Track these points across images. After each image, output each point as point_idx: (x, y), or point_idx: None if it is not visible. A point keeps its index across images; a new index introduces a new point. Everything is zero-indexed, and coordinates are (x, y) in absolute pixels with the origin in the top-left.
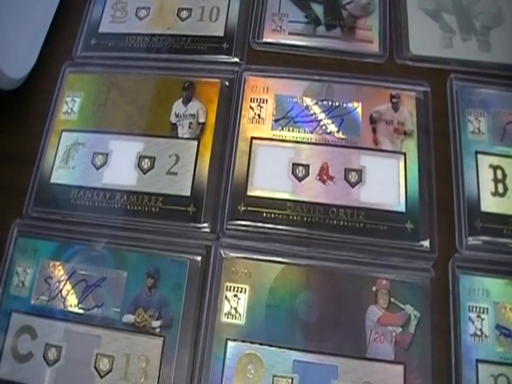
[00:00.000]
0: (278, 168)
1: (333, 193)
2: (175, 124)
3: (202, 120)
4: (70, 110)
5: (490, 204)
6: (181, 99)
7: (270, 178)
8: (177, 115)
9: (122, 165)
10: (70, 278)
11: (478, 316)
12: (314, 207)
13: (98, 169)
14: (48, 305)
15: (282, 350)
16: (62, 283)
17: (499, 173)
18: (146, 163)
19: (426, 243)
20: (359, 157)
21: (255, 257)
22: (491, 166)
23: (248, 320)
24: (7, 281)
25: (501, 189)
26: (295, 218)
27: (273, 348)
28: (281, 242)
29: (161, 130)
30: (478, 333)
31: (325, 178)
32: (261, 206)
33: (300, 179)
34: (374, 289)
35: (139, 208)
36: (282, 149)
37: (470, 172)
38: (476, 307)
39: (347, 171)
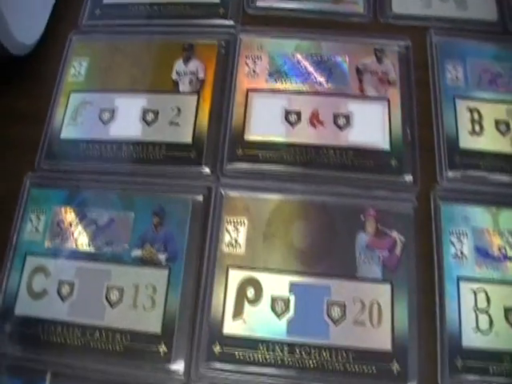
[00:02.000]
0: (272, 115)
1: (323, 135)
2: (176, 81)
3: (201, 76)
4: (77, 73)
5: (467, 141)
6: (181, 59)
7: (265, 124)
8: (178, 73)
9: (127, 119)
10: (81, 221)
11: (459, 239)
12: (306, 148)
13: (104, 124)
14: (61, 246)
15: (279, 274)
16: (73, 226)
17: (476, 114)
18: (149, 116)
19: (409, 177)
20: (347, 103)
21: (252, 194)
22: (468, 108)
23: (247, 249)
24: (21, 227)
25: (477, 128)
26: (289, 158)
27: (270, 273)
28: (276, 179)
29: (163, 86)
30: (459, 254)
31: (315, 122)
32: (257, 148)
33: (292, 124)
34: (362, 218)
35: (144, 156)
36: (276, 98)
37: (448, 114)
38: (456, 232)
39: (336, 116)
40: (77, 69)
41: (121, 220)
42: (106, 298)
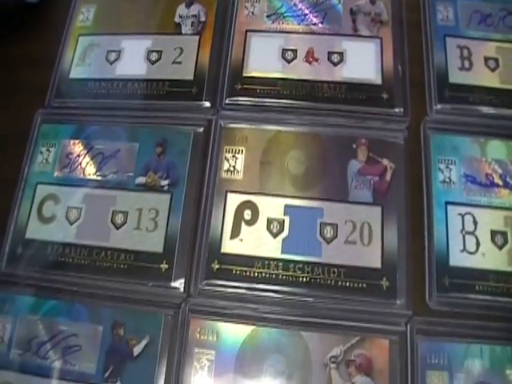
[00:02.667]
0: (269, 53)
1: (318, 71)
2: (179, 24)
3: (202, 19)
4: (85, 19)
5: (457, 77)
6: (184, 3)
7: (262, 61)
8: (180, 16)
9: (132, 59)
10: (88, 152)
11: (447, 167)
12: (302, 83)
13: (111, 64)
14: (69, 175)
15: (274, 197)
16: (81, 157)
17: (465, 51)
18: (153, 56)
19: (400, 109)
20: (341, 42)
21: (250, 125)
22: (458, 46)
23: (245, 175)
24: (33, 160)
25: (467, 64)
26: (285, 92)
27: (266, 196)
28: (273, 112)
29: (166, 29)
30: (447, 180)
31: (311, 59)
32: (255, 84)
33: (289, 61)
34: (354, 146)
35: (149, 92)
36: (273, 38)
37: (439, 52)
38: (445, 159)
39: (330, 54)
40: (85, 14)
41: (126, 150)
42: (112, 221)
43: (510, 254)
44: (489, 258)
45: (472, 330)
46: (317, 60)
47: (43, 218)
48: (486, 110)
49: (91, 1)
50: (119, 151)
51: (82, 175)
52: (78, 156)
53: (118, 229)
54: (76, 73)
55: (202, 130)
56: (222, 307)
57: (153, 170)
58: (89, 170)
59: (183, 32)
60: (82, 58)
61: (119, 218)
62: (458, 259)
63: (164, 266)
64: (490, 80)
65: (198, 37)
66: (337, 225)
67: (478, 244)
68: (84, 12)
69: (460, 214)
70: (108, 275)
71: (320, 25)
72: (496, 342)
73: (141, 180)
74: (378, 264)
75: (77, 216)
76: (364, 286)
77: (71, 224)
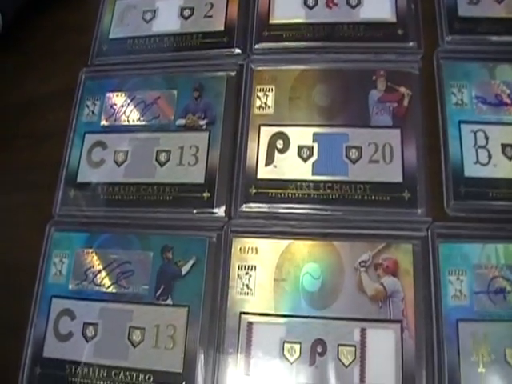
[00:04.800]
0: (292, 1)
1: (337, 14)
2: None
3: None
4: None
5: (466, 10)
6: None
7: (286, 9)
8: None
9: (167, 16)
10: (131, 102)
11: (459, 90)
12: (323, 26)
13: (147, 22)
14: (115, 123)
15: (303, 127)
16: (125, 107)
17: None
18: (186, 12)
19: (414, 43)
20: None
21: (278, 66)
22: None
23: (275, 110)
24: (80, 112)
25: None
26: (308, 35)
27: (296, 127)
28: (297, 52)
29: None
30: (460, 102)
31: (331, 4)
32: (281, 30)
33: (311, 8)
34: (373, 78)
35: (183, 44)
36: None
37: None
38: (457, 84)
39: None
40: None
41: (166, 97)
42: (156, 159)
43: None
44: (500, 168)
45: (487, 231)
46: (336, 5)
47: (93, 162)
48: (493, 38)
49: None
50: (159, 98)
51: (126, 122)
52: (122, 106)
53: (162, 166)
54: (115, 33)
55: (234, 73)
56: (261, 226)
57: (191, 112)
58: (132, 117)
59: None
60: (121, 20)
61: (163, 157)
62: (472, 170)
63: (206, 194)
64: (497, 11)
65: None
66: (361, 147)
67: (489, 156)
68: None
69: (472, 131)
70: (155, 207)
71: None
72: (509, 240)
73: (181, 121)
74: (399, 179)
75: (124, 158)
76: (388, 198)
77: (119, 166)
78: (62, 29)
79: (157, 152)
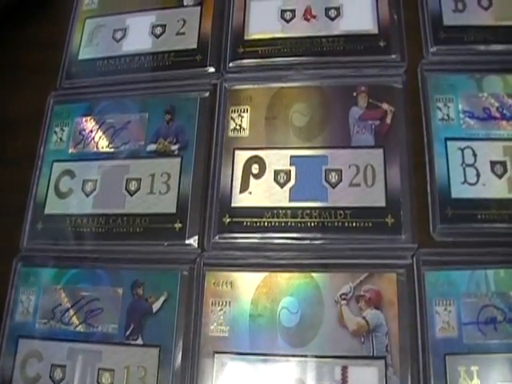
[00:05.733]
0: (268, 15)
1: (316, 28)
2: None
3: None
4: (91, 2)
5: (451, 19)
6: None
7: (262, 23)
8: None
9: (138, 35)
10: (100, 127)
11: (445, 105)
12: (301, 41)
13: (118, 41)
14: (83, 151)
15: (280, 150)
16: (94, 132)
17: None
18: (158, 30)
19: (397, 55)
20: None
21: (254, 84)
22: None
23: (251, 132)
24: (47, 139)
25: (460, 6)
26: (285, 50)
27: (272, 150)
28: (274, 69)
29: (169, 3)
30: (446, 117)
31: (308, 17)
32: (256, 45)
33: (288, 21)
34: (354, 94)
35: (155, 64)
36: (272, 1)
37: None
38: (443, 98)
39: (327, 9)
40: None
41: (136, 121)
42: (126, 188)
43: (510, 181)
44: (489, 188)
45: (476, 256)
46: (314, 17)
47: (60, 192)
48: (480, 47)
49: None
50: (130, 122)
51: (95, 149)
52: (91, 132)
53: (132, 195)
54: (84, 53)
55: (207, 94)
56: (235, 258)
57: (163, 136)
58: (102, 143)
59: (185, 4)
60: (90, 40)
61: (133, 185)
62: (459, 191)
63: (178, 225)
64: (484, 19)
65: (199, 7)
66: (341, 170)
67: (478, 175)
68: None
69: (460, 149)
70: (125, 240)
71: None
72: (500, 265)
73: (152, 147)
74: (382, 203)
75: (92, 188)
76: (370, 224)
77: (87, 195)
78: (29, 46)
79: (127, 180)
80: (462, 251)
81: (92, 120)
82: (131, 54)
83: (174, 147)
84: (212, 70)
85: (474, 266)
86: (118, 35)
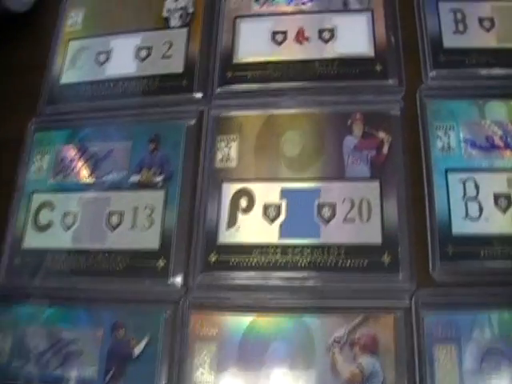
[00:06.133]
0: (259, 38)
1: (309, 50)
2: (167, 18)
3: (191, 10)
4: (74, 23)
5: (452, 41)
6: None
7: (252, 46)
8: (168, 10)
9: (121, 58)
10: (82, 156)
11: (446, 133)
12: (293, 64)
13: (101, 65)
14: (64, 181)
15: (270, 182)
16: (75, 161)
17: (459, 14)
18: (143, 53)
19: (395, 80)
20: (331, 18)
21: (243, 111)
22: (451, 9)
23: (239, 163)
24: (27, 168)
25: (461, 27)
26: (276, 75)
27: (262, 182)
28: (265, 95)
29: (155, 24)
30: (446, 146)
31: (301, 39)
32: (245, 70)
33: (279, 44)
34: (349, 122)
35: (139, 89)
36: (262, 21)
37: (431, 18)
38: (443, 126)
39: (321, 31)
40: (74, 19)
41: (119, 150)
42: (107, 222)
43: None
44: (493, 223)
45: (479, 298)
46: (307, 39)
47: (39, 226)
48: (483, 71)
49: (80, 4)
50: (112, 151)
51: (76, 180)
52: (72, 161)
53: (113, 230)
54: (67, 78)
55: (194, 121)
56: (222, 299)
57: (146, 166)
58: (83, 173)
59: (172, 26)
60: (73, 63)
61: (115, 219)
62: (460, 227)
63: (161, 262)
64: (486, 41)
65: (186, 29)
66: (335, 204)
67: (480, 209)
68: (73, 16)
69: (461, 181)
70: (106, 278)
71: (309, 3)
72: (504, 307)
73: (135, 178)
74: (378, 240)
75: (72, 221)
76: (365, 263)
77: (67, 229)
78: (9, 71)
79: (108, 214)
80: (463, 291)
81: (73, 148)
82: (114, 78)
83: (158, 178)
84: (199, 95)
85: (476, 308)
86: (102, 58)
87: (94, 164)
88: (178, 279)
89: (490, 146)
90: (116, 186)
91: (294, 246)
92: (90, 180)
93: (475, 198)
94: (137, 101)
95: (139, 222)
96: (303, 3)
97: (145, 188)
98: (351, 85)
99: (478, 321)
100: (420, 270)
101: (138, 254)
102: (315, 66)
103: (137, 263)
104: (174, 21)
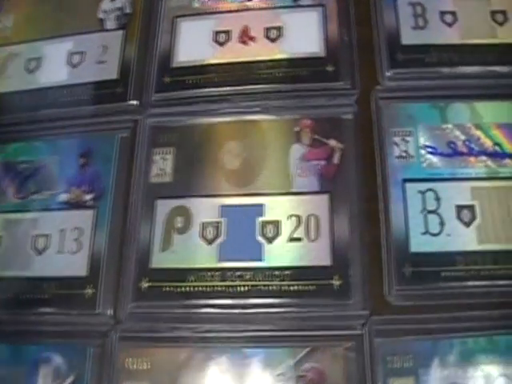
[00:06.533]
0: (200, 38)
1: (254, 51)
2: (103, 19)
3: (128, 11)
4: (4, 27)
5: (410, 37)
6: None
7: (192, 48)
8: (104, 11)
9: (53, 64)
10: (7, 174)
11: (403, 139)
12: (236, 67)
13: (31, 73)
14: None
15: (208, 198)
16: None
17: (418, 8)
18: (75, 58)
19: (347, 81)
20: (279, 15)
21: (181, 120)
22: (410, 3)
23: (175, 177)
24: None
25: (421, 22)
26: (217, 79)
27: (199, 198)
28: (204, 102)
29: (89, 27)
30: (404, 154)
31: (246, 39)
32: (184, 74)
33: (222, 44)
34: (296, 129)
35: (70, 99)
36: (204, 20)
37: (388, 13)
38: (400, 131)
39: (267, 30)
40: (3, 23)
41: (47, 167)
42: (33, 246)
43: (479, 230)
44: (455, 239)
45: (440, 323)
46: (252, 39)
47: None
48: (444, 70)
49: (10, 7)
50: (41, 168)
51: (0, 199)
52: None
53: (39, 255)
54: None
55: (128, 132)
56: (154, 331)
57: (76, 184)
58: (8, 192)
59: (107, 28)
60: (2, 71)
61: (41, 243)
62: (419, 244)
63: (89, 290)
64: (449, 37)
65: (122, 31)
66: (279, 221)
67: (441, 224)
68: (2, 20)
69: (420, 192)
70: (30, 308)
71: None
72: (468, 333)
73: (63, 197)
74: (327, 261)
75: None
76: (313, 287)
77: None
78: None
79: (34, 237)
80: (422, 317)
81: None
82: (45, 87)
83: (88, 197)
84: (134, 104)
85: (437, 336)
86: (32, 65)
87: (21, 182)
88: (107, 309)
89: (452, 153)
90: (43, 207)
91: (234, 270)
92: (15, 200)
93: (436, 211)
94: (66, 111)
95: (67, 246)
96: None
97: (74, 208)
98: (299, 88)
99: (439, 349)
100: (374, 293)
101: (64, 281)
102: (260, 68)
103: (63, 292)
104: (110, 22)
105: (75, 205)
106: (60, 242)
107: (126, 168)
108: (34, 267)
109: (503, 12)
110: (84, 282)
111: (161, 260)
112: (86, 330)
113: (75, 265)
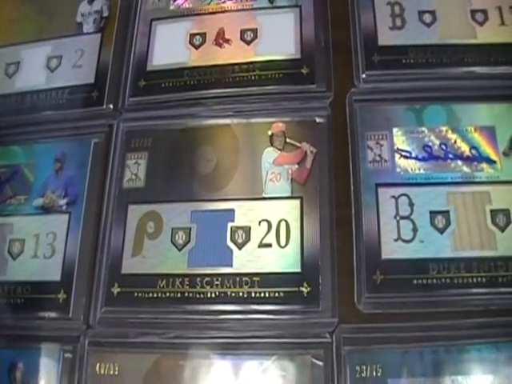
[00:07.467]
0: (175, 41)
1: (229, 54)
2: (81, 23)
3: (105, 14)
4: None
5: (388, 38)
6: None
7: (168, 51)
8: (82, 14)
9: (31, 69)
10: None
11: (377, 143)
12: (210, 70)
13: (10, 77)
14: None
15: (180, 203)
16: None
17: (397, 8)
18: (53, 62)
19: (322, 84)
20: (255, 17)
21: (155, 125)
22: (389, 3)
23: (147, 182)
24: None
25: (399, 22)
26: (192, 82)
27: (171, 204)
28: (178, 106)
29: (68, 31)
30: (378, 158)
31: (221, 41)
32: (159, 78)
33: (197, 47)
34: (269, 133)
35: (47, 103)
36: (179, 22)
37: (366, 13)
38: (375, 135)
39: (243, 32)
40: None
41: (23, 171)
42: (8, 251)
43: (454, 236)
44: (428, 245)
45: (410, 332)
46: (228, 41)
47: None
48: (422, 71)
49: None
50: (17, 173)
51: None
52: None
53: (14, 259)
54: None
55: (102, 137)
56: (124, 336)
57: (51, 188)
58: None
59: (85, 31)
60: None
61: (16, 247)
62: (391, 250)
63: (62, 295)
64: (427, 37)
65: (99, 34)
66: (249, 227)
67: (414, 230)
68: None
69: (393, 197)
70: (4, 312)
71: (230, 1)
72: (439, 343)
73: (38, 202)
74: (297, 267)
75: None
76: (281, 294)
77: None
78: None
79: (10, 241)
80: (393, 326)
81: None
82: (23, 91)
83: (63, 201)
84: (109, 108)
85: (407, 346)
86: (11, 70)
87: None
88: (79, 314)
89: (427, 157)
90: (18, 211)
91: (203, 276)
92: None
93: (408, 216)
94: (42, 116)
95: (41, 250)
96: (224, 1)
97: (48, 212)
98: (273, 90)
99: (409, 359)
100: (343, 301)
101: (38, 285)
102: (234, 70)
103: (37, 296)
104: (88, 26)
105: (50, 209)
106: (35, 246)
107: (100, 173)
108: (9, 272)
109: (484, 11)
110: (57, 287)
111: (132, 265)
112: (59, 335)
113: (49, 269)
